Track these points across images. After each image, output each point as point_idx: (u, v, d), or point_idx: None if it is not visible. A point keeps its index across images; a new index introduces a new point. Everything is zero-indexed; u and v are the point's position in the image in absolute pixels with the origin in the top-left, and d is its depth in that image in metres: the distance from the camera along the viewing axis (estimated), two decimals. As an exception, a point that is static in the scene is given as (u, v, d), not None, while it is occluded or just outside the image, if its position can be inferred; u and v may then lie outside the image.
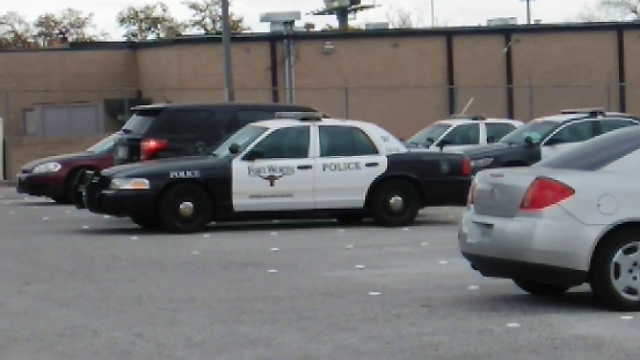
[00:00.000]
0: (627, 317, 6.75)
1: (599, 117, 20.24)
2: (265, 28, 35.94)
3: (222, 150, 14.47)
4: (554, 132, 19.72)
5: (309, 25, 37.19)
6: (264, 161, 13.62)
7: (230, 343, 6.36)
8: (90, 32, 52.21)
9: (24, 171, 22.21)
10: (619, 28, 39.65)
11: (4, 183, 27.95)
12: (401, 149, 14.71)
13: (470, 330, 6.52)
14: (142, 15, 50.09)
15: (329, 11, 37.79)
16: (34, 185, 21.12)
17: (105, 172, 15.06)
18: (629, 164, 6.71)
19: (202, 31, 45.38)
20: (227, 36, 26.34)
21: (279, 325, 6.89)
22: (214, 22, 44.55)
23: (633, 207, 6.49)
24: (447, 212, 15.62)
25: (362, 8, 38.14)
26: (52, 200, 21.64)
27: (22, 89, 32.95)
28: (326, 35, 36.40)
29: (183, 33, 47.11)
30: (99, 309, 9.06)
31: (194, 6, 43.92)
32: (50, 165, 21.19)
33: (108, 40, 47.16)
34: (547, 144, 18.92)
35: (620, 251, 6.42)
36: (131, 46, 43.25)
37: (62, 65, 38.04)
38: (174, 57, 36.56)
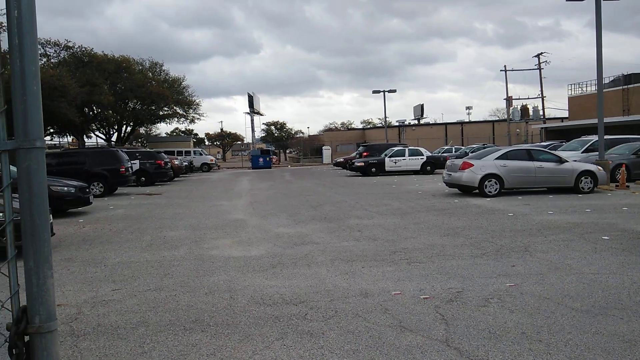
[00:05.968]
0: (487, 199, 15.63)
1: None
2: (396, 123, 64.82)
3: (385, 155, 30.21)
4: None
5: (408, 123, 66.41)
6: (394, 157, 29.04)
7: (345, 191, 17.32)
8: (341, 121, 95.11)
9: (335, 161, 41.06)
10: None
11: (329, 165, 50.35)
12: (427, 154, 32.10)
13: (430, 200, 15.63)
14: (367, 121, 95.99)
15: (415, 118, 66.09)
16: (338, 164, 38.55)
17: (352, 161, 32.82)
18: (491, 158, 17.11)
19: (380, 124, 78.04)
20: (385, 126, 54.13)
21: (360, 188, 19.51)
22: (387, 123, 69.87)
23: (488, 171, 16.71)
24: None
25: (423, 117, 67.57)
26: (340, 168, 37.25)
27: (336, 142, 62.31)
28: (413, 125, 61.12)
29: (377, 125, 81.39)
30: (333, 193, 18.00)
31: (379, 119, 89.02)
32: (340, 159, 40.21)
33: (353, 126, 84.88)
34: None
35: (485, 181, 16.15)
36: (363, 129, 74.77)
37: (341, 134, 73.03)
38: (375, 132, 66.66)
